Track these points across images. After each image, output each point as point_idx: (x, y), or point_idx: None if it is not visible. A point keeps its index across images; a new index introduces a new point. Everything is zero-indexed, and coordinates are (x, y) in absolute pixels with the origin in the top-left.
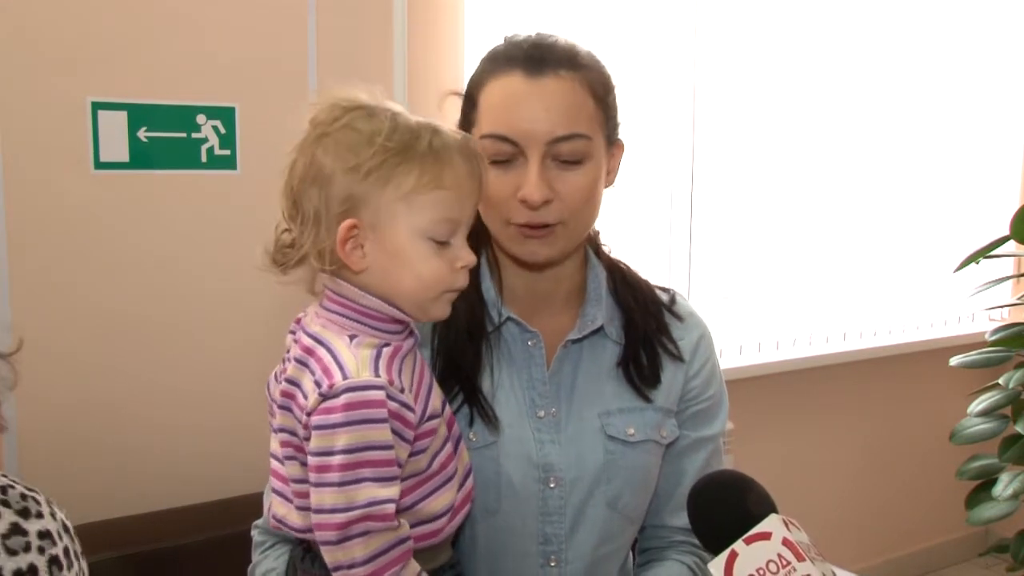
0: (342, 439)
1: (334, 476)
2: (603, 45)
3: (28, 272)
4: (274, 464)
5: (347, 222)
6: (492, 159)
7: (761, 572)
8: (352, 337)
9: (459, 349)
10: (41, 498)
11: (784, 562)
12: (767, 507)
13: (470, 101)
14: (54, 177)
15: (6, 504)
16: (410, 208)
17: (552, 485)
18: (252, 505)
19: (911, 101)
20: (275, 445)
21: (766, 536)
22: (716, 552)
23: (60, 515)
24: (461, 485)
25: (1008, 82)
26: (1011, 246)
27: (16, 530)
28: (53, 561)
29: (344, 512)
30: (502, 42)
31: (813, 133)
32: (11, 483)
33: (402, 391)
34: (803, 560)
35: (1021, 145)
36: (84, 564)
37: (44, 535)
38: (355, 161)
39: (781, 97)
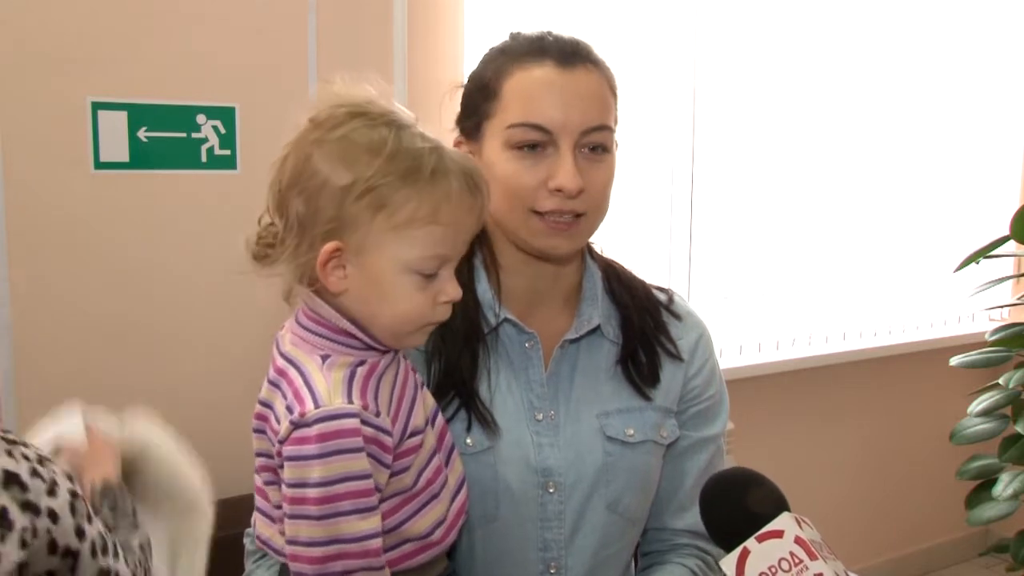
0: (317, 471)
1: (312, 509)
2: (603, 45)
3: (28, 272)
4: (258, 481)
5: (330, 244)
6: (517, 147)
7: (773, 570)
8: (324, 357)
9: (456, 353)
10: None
11: (796, 560)
12: (780, 505)
13: (487, 92)
14: (54, 177)
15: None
16: (400, 240)
17: (551, 490)
18: (251, 505)
19: (911, 102)
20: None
21: (778, 534)
22: (728, 549)
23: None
24: (454, 497)
25: (1008, 82)
26: (1011, 246)
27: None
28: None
29: (323, 546)
30: (509, 39)
31: (813, 134)
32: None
33: (377, 414)
34: (816, 559)
35: (1021, 145)
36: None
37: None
38: (350, 179)
39: (781, 98)
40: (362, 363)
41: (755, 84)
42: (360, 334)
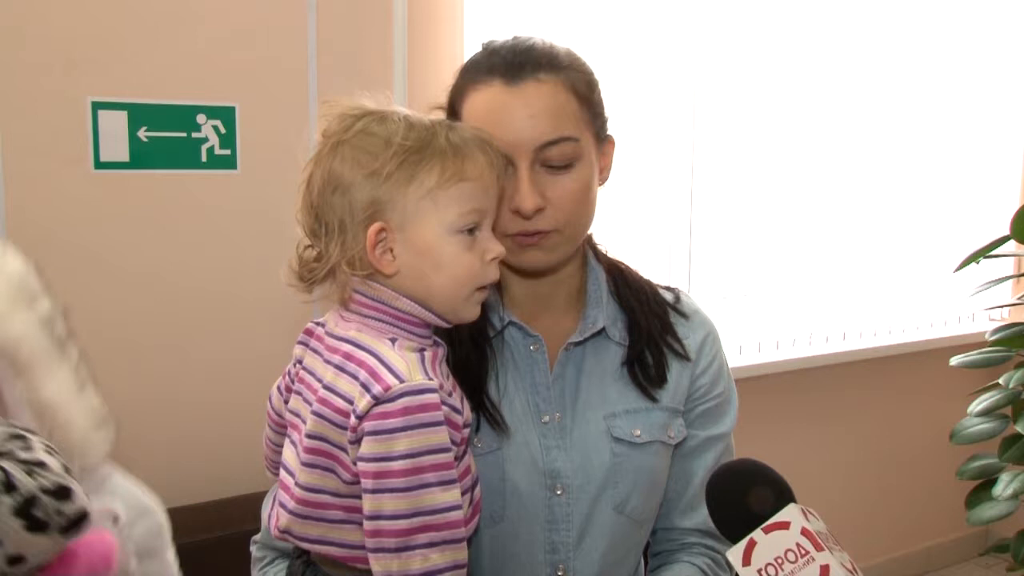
0: (402, 444)
1: (397, 482)
2: (604, 43)
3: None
4: (284, 476)
5: (375, 226)
6: None
7: (780, 561)
8: (393, 340)
9: (464, 355)
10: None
11: (803, 551)
12: (786, 496)
13: (453, 114)
14: (54, 177)
15: None
16: (436, 204)
17: (559, 492)
18: (252, 505)
19: (911, 101)
20: (288, 455)
21: (785, 526)
22: (734, 541)
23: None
24: (470, 494)
25: (1008, 82)
26: (1011, 246)
27: None
28: None
29: (408, 518)
30: (480, 50)
31: (813, 133)
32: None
33: (450, 394)
34: (822, 550)
35: (1021, 145)
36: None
37: None
38: (374, 165)
39: (781, 97)
40: (424, 350)
41: (755, 83)
42: (418, 309)
